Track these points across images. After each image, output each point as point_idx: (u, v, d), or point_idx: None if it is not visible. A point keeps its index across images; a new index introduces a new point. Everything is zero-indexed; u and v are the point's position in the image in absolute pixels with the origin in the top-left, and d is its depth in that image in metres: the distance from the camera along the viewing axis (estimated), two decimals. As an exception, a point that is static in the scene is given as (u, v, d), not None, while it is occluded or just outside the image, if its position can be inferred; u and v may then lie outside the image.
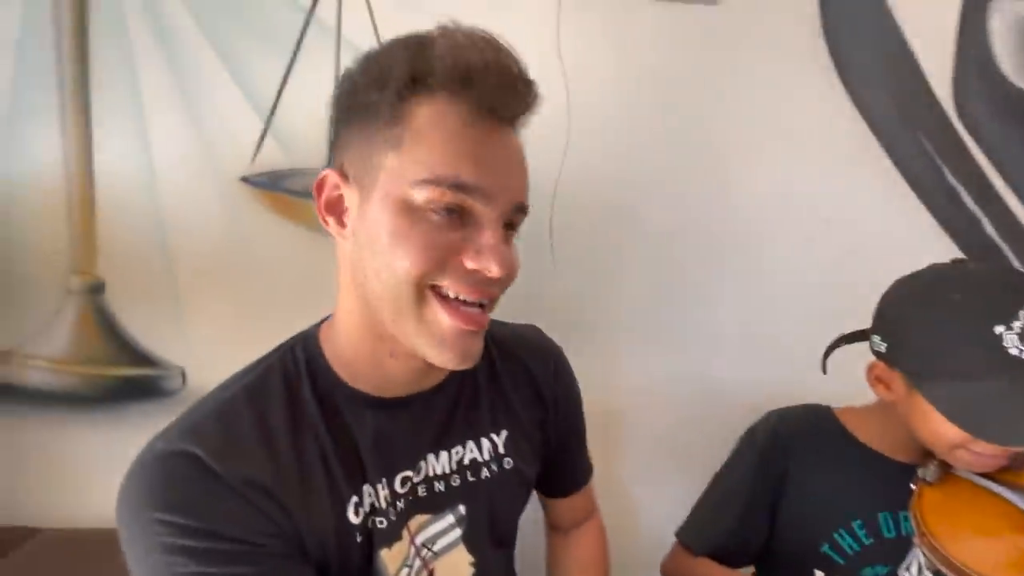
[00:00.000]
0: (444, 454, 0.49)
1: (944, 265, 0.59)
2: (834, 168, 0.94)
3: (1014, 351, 0.49)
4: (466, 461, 0.50)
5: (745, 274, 0.96)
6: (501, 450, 0.52)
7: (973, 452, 0.55)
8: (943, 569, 0.57)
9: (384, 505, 0.45)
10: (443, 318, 0.41)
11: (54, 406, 0.93)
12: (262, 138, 0.90)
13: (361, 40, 0.86)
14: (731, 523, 0.70)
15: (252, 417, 0.42)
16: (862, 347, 0.65)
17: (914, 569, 0.61)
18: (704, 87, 0.93)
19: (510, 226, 0.44)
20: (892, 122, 0.93)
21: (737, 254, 0.96)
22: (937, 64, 0.93)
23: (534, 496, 0.65)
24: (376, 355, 0.45)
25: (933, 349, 0.55)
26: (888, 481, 0.63)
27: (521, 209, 0.44)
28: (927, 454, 0.61)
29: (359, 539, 0.44)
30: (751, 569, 0.76)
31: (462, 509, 0.50)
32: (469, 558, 0.50)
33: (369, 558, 0.45)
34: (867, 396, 0.66)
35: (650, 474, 1.00)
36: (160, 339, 0.93)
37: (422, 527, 0.48)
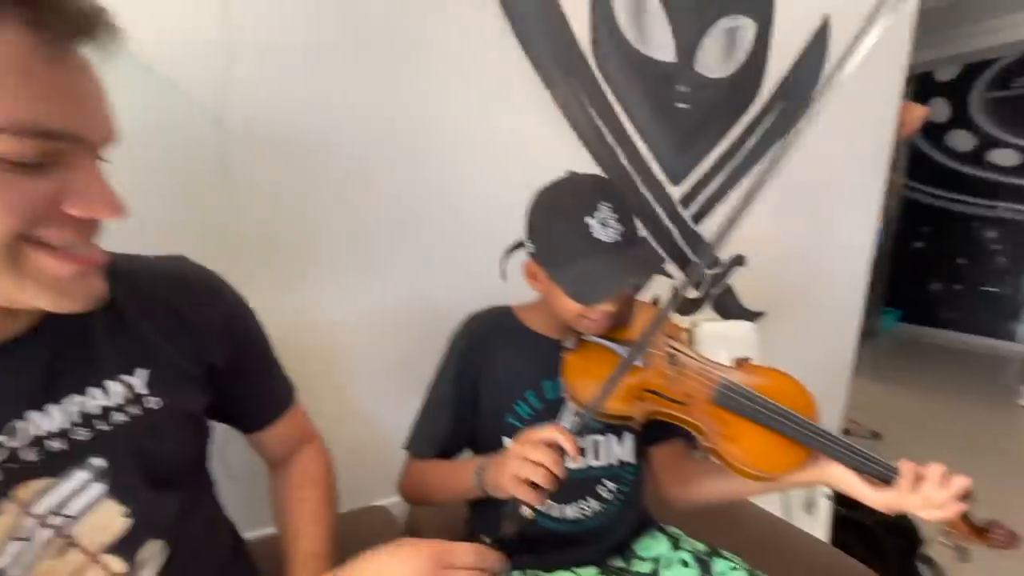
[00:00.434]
0: (55, 408, 0.43)
1: (561, 177, 0.74)
2: (511, 111, 1.10)
3: (598, 235, 0.66)
4: (90, 410, 0.45)
5: (446, 204, 1.06)
6: (141, 390, 0.48)
7: (589, 318, 0.72)
8: (582, 411, 0.75)
9: None
10: (53, 265, 0.38)
11: None
12: None
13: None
14: (448, 423, 0.79)
15: None
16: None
17: (568, 418, 0.79)
18: (394, 23, 0.96)
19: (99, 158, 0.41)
20: (554, 71, 1.12)
21: (438, 186, 1.05)
22: (580, 26, 1.14)
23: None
24: None
25: (554, 242, 0.70)
26: (550, 356, 0.77)
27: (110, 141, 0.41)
28: (570, 328, 0.77)
29: None
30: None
31: (99, 462, 0.45)
32: (122, 509, 0.45)
33: None
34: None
35: (388, 398, 1.06)
36: None
37: (40, 494, 0.42)
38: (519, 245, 0.78)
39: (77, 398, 0.44)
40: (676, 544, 0.81)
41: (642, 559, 0.79)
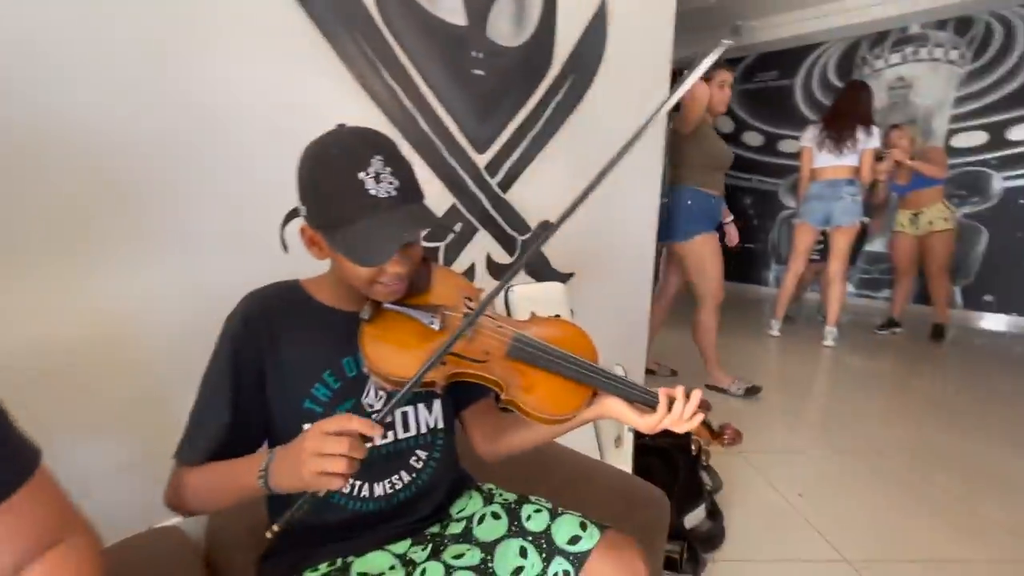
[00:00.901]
0: None
1: (328, 132, 0.66)
2: (288, 71, 0.98)
3: (372, 191, 0.61)
4: None
5: (221, 172, 0.92)
6: None
7: (382, 283, 0.67)
8: (384, 385, 0.71)
9: None
10: None
11: None
12: None
13: None
14: (222, 419, 0.67)
15: None
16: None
17: (372, 394, 0.75)
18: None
19: None
20: (331, 21, 1.02)
21: (208, 152, 0.90)
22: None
23: None
24: None
25: (327, 203, 0.63)
26: (346, 330, 0.70)
27: None
28: (365, 298, 0.70)
29: None
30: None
31: None
32: None
33: None
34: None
35: (170, 399, 0.89)
36: None
37: None
38: (294, 212, 0.70)
39: None
40: (490, 499, 0.83)
41: (456, 520, 0.80)
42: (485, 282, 1.43)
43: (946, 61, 4.19)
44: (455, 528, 0.78)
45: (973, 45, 4.05)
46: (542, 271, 1.61)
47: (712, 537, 1.44)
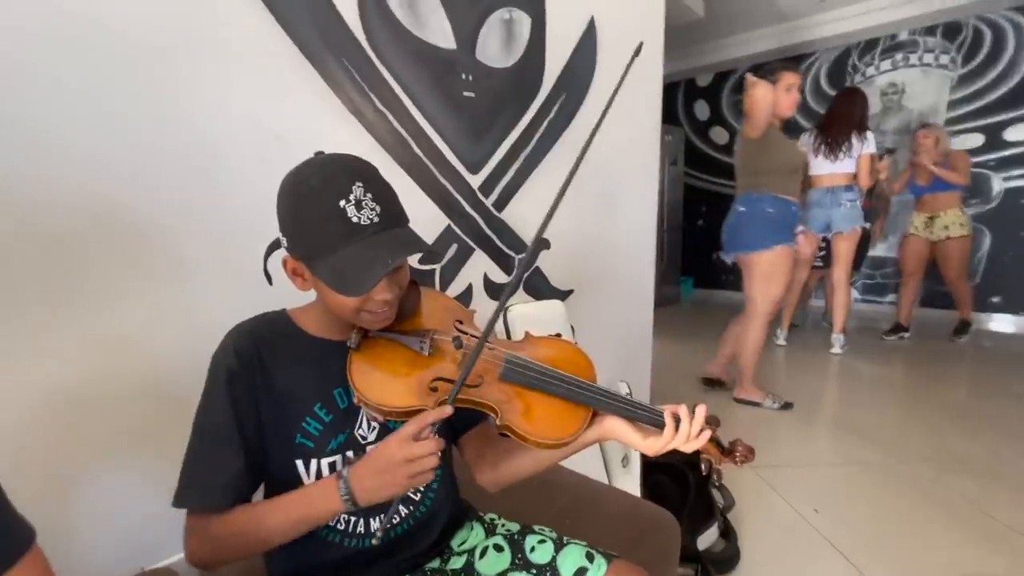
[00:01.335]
0: None
1: (307, 160, 0.64)
2: (278, 98, 0.98)
3: (354, 219, 0.60)
4: None
5: (209, 203, 0.91)
6: None
7: (369, 311, 0.65)
8: (376, 415, 0.69)
9: None
10: None
11: None
12: None
13: None
14: (237, 459, 0.64)
15: None
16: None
17: (365, 425, 0.72)
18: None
19: None
20: (318, 49, 1.02)
21: (196, 183, 0.89)
22: (347, 6, 1.06)
23: None
24: None
25: (308, 232, 0.61)
26: (335, 361, 0.68)
27: None
28: (352, 326, 0.69)
29: None
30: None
31: None
32: None
33: None
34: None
35: (161, 435, 0.87)
36: None
37: None
38: (276, 243, 0.68)
39: None
40: (492, 530, 0.79)
41: (458, 554, 0.77)
42: (483, 302, 1.41)
43: (937, 66, 4.21)
44: (456, 563, 0.75)
45: (963, 50, 4.08)
46: (541, 289, 1.59)
47: (727, 559, 1.38)
